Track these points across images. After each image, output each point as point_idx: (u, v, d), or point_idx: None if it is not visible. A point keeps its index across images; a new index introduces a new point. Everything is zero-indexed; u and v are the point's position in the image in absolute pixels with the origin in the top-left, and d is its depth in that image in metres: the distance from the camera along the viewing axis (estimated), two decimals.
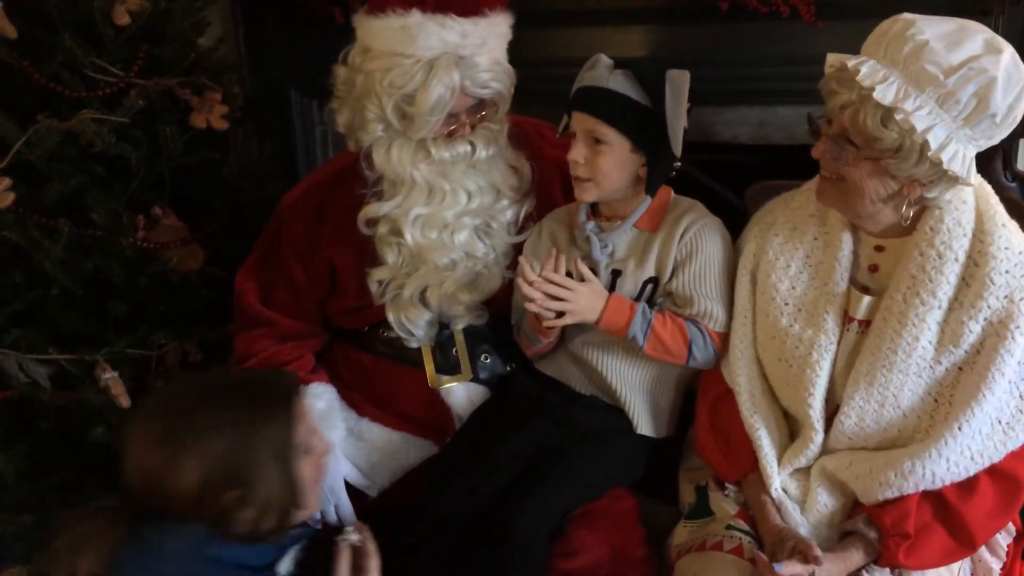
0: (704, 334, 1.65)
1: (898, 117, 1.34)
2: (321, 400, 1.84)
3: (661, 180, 1.70)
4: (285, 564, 1.42)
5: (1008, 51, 1.35)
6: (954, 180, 1.39)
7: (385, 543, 1.78)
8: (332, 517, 1.75)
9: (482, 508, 1.66)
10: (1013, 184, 2.35)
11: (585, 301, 1.61)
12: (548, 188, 1.87)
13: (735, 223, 1.77)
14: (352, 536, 1.45)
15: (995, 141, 1.40)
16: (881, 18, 1.45)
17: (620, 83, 1.61)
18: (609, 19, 2.51)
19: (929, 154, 1.35)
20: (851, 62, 1.39)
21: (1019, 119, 1.38)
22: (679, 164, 1.67)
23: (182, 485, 1.32)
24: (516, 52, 2.49)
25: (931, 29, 1.36)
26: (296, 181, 2.07)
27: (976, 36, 1.36)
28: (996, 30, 2.14)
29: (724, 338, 1.67)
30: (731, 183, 2.33)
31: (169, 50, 2.16)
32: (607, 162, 1.63)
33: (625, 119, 1.61)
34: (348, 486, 1.79)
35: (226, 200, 2.30)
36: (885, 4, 2.07)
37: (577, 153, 1.63)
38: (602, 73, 1.62)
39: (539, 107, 1.94)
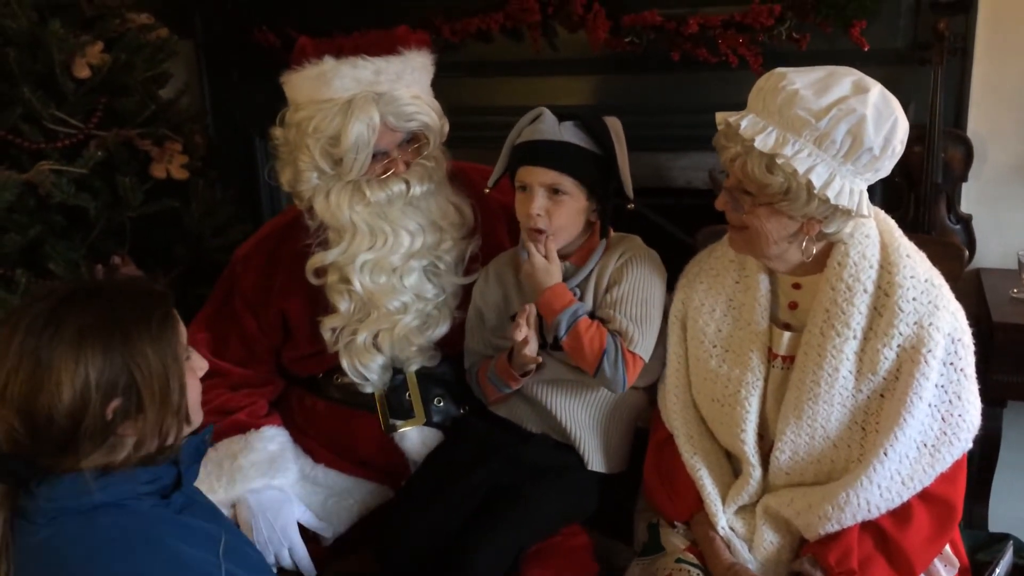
0: (619, 351, 1.66)
1: (779, 162, 1.42)
2: (273, 443, 1.84)
3: (609, 223, 1.76)
4: (191, 476, 1.33)
5: (876, 89, 1.43)
6: (848, 214, 1.46)
7: None
8: (286, 561, 1.75)
9: (438, 549, 1.66)
10: (958, 226, 2.42)
11: (543, 271, 1.68)
12: (494, 229, 1.91)
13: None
14: None
15: (883, 173, 1.47)
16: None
17: (573, 135, 1.68)
18: (565, 69, 2.58)
19: (815, 192, 1.42)
20: (732, 118, 1.47)
21: (900, 150, 1.46)
22: (633, 206, 1.73)
23: (57, 402, 1.17)
24: (472, 100, 2.55)
25: (801, 79, 1.44)
26: (261, 227, 2.09)
27: (844, 80, 1.44)
28: (935, 80, 2.25)
29: (638, 364, 1.69)
30: (687, 227, 2.38)
31: (129, 102, 2.19)
32: (567, 213, 1.68)
33: (584, 169, 1.67)
34: (303, 529, 1.78)
35: (187, 248, 2.32)
36: (828, 55, 2.16)
37: (538, 207, 1.66)
38: (551, 127, 1.68)
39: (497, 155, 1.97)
